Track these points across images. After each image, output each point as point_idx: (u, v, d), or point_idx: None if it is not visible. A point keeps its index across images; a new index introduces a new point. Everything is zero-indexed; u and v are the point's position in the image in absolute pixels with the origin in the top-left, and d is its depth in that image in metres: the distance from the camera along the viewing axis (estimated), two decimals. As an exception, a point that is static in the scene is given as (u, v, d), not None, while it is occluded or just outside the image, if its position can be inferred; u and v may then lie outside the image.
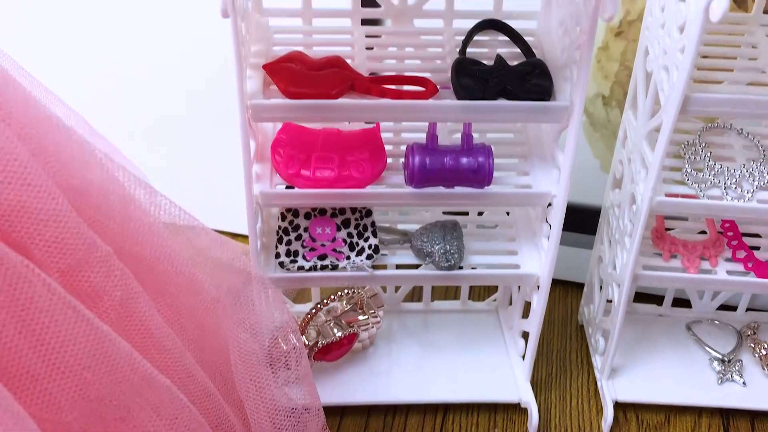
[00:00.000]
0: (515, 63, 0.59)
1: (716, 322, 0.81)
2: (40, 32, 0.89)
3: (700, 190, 0.63)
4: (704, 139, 0.67)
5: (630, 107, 0.69)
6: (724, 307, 0.82)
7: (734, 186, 0.63)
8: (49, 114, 0.45)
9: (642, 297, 0.84)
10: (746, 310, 0.82)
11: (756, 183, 0.63)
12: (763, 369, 0.75)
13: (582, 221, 0.86)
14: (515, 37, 0.62)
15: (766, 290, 0.69)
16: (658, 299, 0.83)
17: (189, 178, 0.92)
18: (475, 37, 0.63)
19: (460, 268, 0.65)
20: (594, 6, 0.50)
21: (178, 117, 0.91)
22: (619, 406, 0.74)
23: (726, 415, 0.74)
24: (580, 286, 0.85)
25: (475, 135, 0.63)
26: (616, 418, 0.73)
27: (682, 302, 0.83)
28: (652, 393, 0.74)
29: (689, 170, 0.64)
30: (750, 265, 0.68)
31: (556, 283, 0.86)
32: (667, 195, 0.63)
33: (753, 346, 0.77)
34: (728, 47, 0.66)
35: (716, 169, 0.64)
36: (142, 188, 0.53)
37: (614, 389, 0.74)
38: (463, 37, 0.62)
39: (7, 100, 0.41)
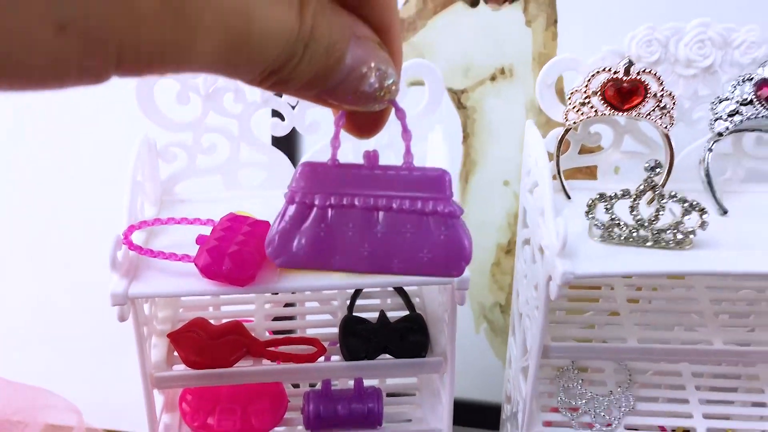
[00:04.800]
0: (397, 319, 0.66)
1: None
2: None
3: (573, 419, 0.70)
4: (578, 364, 0.74)
5: (511, 334, 0.77)
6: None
7: (603, 413, 0.70)
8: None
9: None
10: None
11: (623, 409, 0.70)
12: None
13: (487, 418, 0.92)
14: (398, 289, 0.70)
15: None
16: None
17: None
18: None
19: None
20: (451, 297, 0.58)
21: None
22: None
23: None
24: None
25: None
26: None
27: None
28: None
29: (563, 398, 0.71)
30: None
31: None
32: (544, 423, 0.69)
33: None
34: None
35: (587, 396, 0.71)
36: None
37: None
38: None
39: None
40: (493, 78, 0.86)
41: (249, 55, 0.24)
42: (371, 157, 0.37)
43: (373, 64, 0.28)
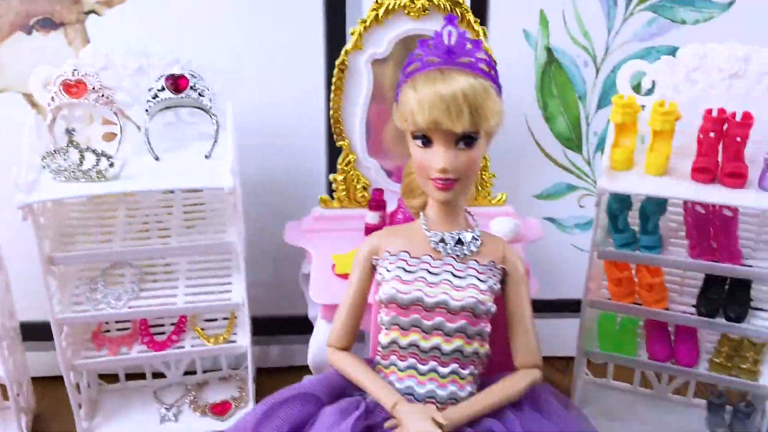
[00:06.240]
0: None
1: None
2: None
3: (92, 307, 1.04)
4: (105, 273, 1.09)
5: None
6: (188, 373, 1.23)
7: (113, 300, 1.05)
8: None
9: (133, 376, 1.23)
10: (204, 372, 1.24)
11: (129, 296, 1.06)
12: (194, 412, 1.17)
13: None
14: None
15: (163, 358, 1.11)
16: (142, 375, 1.23)
17: None
18: None
19: None
20: None
21: None
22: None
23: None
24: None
25: None
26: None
27: (159, 374, 1.23)
28: None
29: (88, 296, 1.06)
30: (150, 345, 1.10)
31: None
32: (72, 311, 1.04)
33: (194, 395, 1.19)
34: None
35: (104, 292, 1.06)
36: None
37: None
38: None
39: None
40: (56, 84, 1.18)
41: None
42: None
43: None
